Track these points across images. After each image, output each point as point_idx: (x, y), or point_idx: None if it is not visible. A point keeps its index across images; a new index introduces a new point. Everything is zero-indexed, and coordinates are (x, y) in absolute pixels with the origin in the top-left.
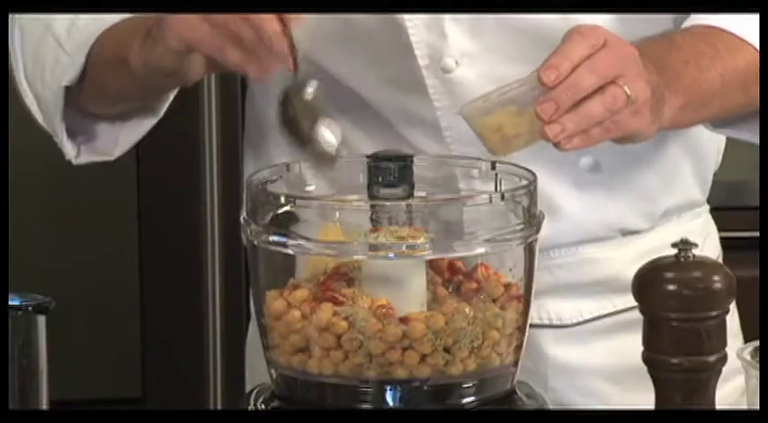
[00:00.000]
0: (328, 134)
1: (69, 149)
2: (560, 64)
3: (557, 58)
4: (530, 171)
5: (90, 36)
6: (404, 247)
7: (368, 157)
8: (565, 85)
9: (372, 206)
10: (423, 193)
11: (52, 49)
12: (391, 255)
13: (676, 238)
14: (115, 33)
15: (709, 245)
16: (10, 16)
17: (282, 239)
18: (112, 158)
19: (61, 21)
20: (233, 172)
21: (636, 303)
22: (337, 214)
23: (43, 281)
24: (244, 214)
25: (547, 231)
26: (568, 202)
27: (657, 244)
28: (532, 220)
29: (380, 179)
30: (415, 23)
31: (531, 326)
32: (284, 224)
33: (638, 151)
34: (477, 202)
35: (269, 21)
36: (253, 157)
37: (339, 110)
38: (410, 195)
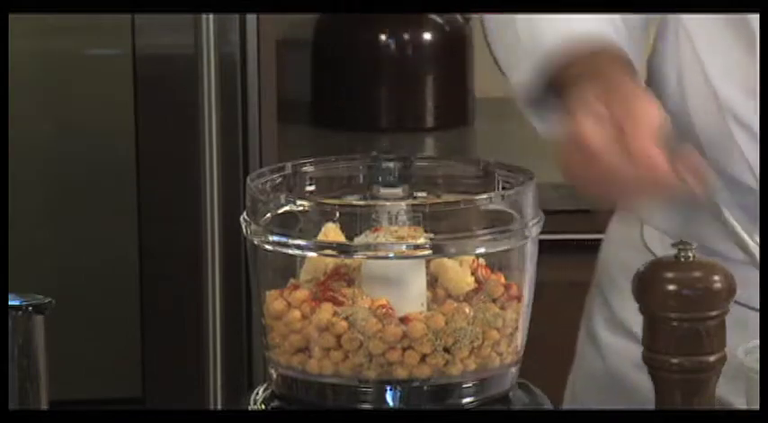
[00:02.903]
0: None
1: (540, 125)
2: None
3: None
4: (529, 171)
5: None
6: (404, 247)
7: (368, 157)
8: None
9: (372, 206)
10: (423, 193)
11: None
12: (391, 255)
13: None
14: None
15: None
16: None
17: (282, 239)
18: None
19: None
20: (233, 172)
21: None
22: (337, 214)
23: (43, 281)
24: (244, 214)
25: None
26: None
27: None
28: (532, 220)
29: (380, 179)
30: None
31: None
32: (284, 224)
33: None
34: (478, 201)
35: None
36: None
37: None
38: (410, 195)
